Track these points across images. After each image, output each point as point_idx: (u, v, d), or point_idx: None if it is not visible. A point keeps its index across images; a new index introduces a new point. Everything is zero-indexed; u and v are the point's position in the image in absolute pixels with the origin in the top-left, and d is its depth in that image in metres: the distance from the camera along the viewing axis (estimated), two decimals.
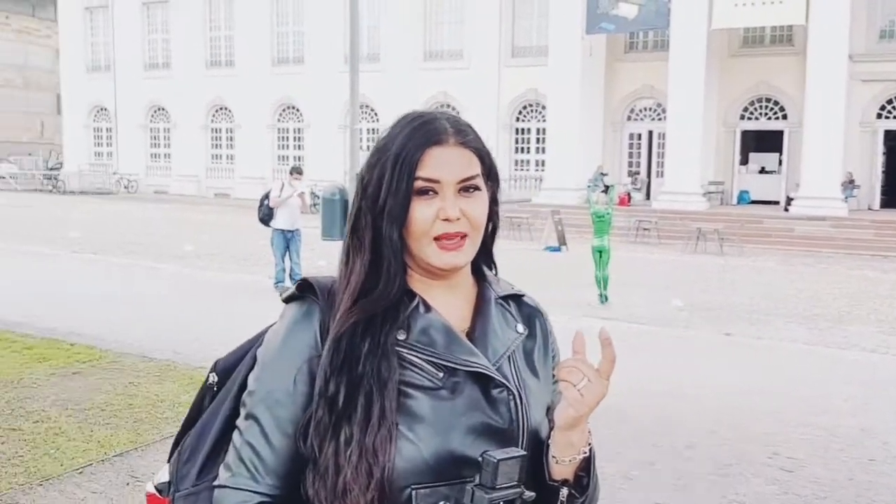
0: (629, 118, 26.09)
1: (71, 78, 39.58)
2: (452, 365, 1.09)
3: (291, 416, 1.10)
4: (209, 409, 1.24)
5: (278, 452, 1.10)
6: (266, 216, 10.44)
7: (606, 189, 13.76)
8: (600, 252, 10.17)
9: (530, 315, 1.25)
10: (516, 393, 1.13)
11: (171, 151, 36.91)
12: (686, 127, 21.19)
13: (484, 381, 1.11)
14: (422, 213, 1.11)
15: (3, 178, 36.60)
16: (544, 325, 1.26)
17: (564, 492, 1.13)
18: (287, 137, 33.94)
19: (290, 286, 9.90)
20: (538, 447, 1.14)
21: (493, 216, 1.21)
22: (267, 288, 10.30)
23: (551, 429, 1.13)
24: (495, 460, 1.03)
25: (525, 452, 1.08)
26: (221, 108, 35.42)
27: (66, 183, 35.43)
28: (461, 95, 27.56)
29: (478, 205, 1.14)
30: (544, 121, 25.66)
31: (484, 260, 1.24)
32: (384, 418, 1.05)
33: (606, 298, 10.19)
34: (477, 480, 1.06)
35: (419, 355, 1.09)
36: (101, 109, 38.83)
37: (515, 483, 1.05)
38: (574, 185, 22.49)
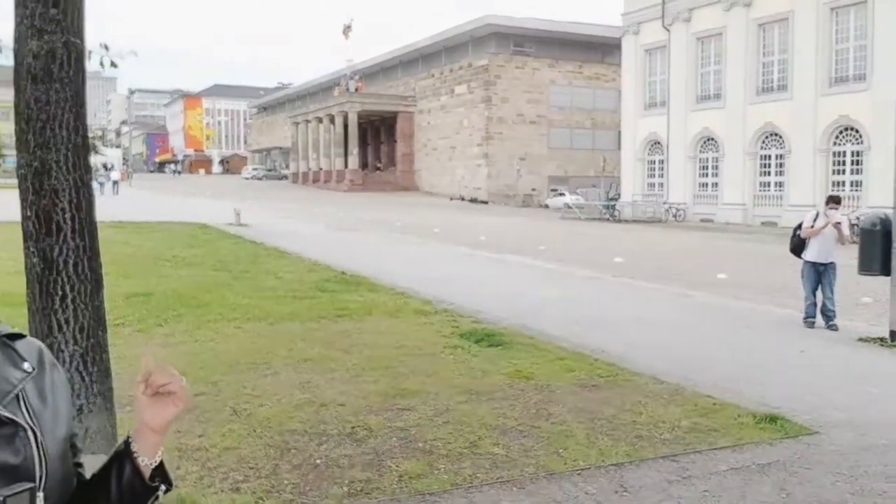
0: None
1: (629, 115, 42.82)
2: None
3: None
4: None
5: None
6: (797, 247, 9.99)
7: None
8: None
9: (39, 353, 1.23)
10: (28, 429, 1.11)
11: (718, 180, 37.24)
12: None
13: None
14: None
15: (570, 208, 41.21)
16: (51, 359, 1.24)
17: (164, 487, 1.23)
18: (843, 161, 31.53)
19: (821, 323, 9.29)
20: (67, 476, 1.18)
21: None
22: (796, 322, 9.83)
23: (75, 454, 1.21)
24: (1, 498, 1.05)
25: (33, 484, 1.08)
26: (771, 135, 34.54)
27: (621, 212, 38.34)
28: None
29: None
30: None
31: None
32: None
33: None
34: None
35: None
36: (655, 143, 41.16)
37: None
38: None
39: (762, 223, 33.82)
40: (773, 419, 5.66)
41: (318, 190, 65.25)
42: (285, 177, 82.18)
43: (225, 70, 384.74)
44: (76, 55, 3.19)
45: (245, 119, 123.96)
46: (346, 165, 65.93)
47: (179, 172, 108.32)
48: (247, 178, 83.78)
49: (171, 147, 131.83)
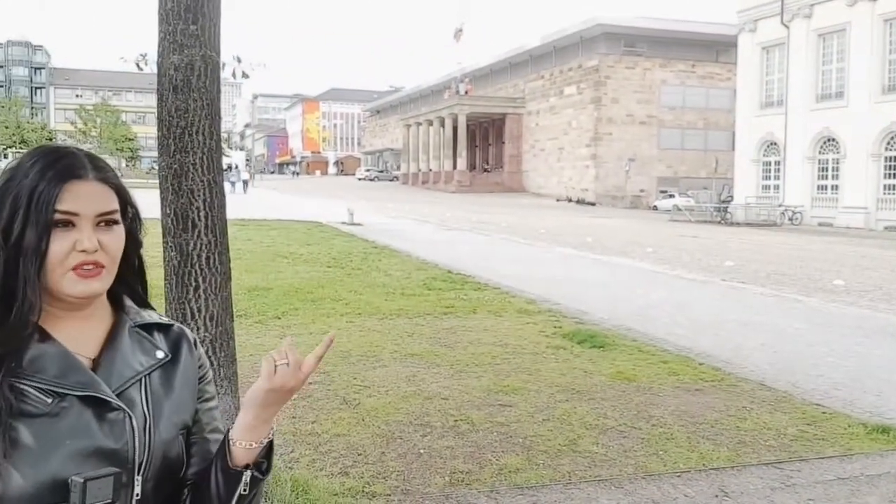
0: None
1: (744, 115, 41.43)
2: (60, 390, 1.11)
3: None
4: None
5: None
6: None
7: None
8: None
9: (177, 341, 1.28)
10: (136, 415, 1.16)
11: (838, 183, 35.58)
12: None
13: (99, 405, 1.13)
14: (59, 245, 1.12)
15: (680, 210, 40.25)
16: (191, 349, 1.29)
17: (248, 475, 1.18)
18: None
19: None
20: (172, 462, 1.20)
21: (135, 250, 1.25)
22: None
23: (193, 445, 1.24)
24: (82, 481, 1.07)
25: (118, 470, 1.11)
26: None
27: (734, 215, 37.15)
28: None
29: (115, 238, 1.17)
30: None
31: (129, 293, 1.28)
32: None
33: None
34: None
35: (25, 382, 1.10)
36: (771, 144, 39.69)
37: (110, 501, 1.09)
38: None
39: (885, 228, 32.10)
40: (885, 430, 5.49)
41: (426, 191, 66.18)
42: (396, 178, 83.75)
43: (341, 74, 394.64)
44: (212, 67, 3.50)
45: (359, 122, 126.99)
46: (454, 167, 66.60)
47: (298, 173, 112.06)
48: (360, 179, 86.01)
49: (290, 149, 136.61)
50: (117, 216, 1.18)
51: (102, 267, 1.14)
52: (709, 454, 5.01)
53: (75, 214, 1.12)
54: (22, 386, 1.09)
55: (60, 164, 1.15)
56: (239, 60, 4.25)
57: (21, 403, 1.08)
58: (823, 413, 5.98)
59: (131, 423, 1.14)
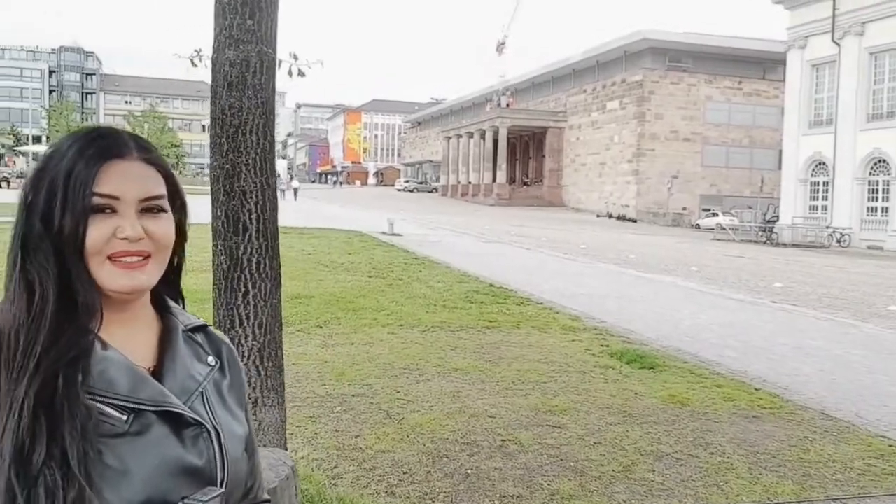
0: None
1: (792, 133, 40.64)
2: (138, 406, 1.00)
3: None
4: None
5: None
6: None
7: None
8: None
9: (218, 344, 1.17)
10: (211, 429, 1.06)
11: (889, 205, 34.68)
12: None
13: (175, 421, 1.02)
14: (97, 231, 0.99)
15: (724, 229, 39.57)
16: (231, 356, 1.19)
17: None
18: None
19: None
20: (242, 480, 1.12)
21: (178, 249, 1.11)
22: None
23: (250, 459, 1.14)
24: None
25: (223, 490, 1.04)
26: None
27: (779, 235, 36.40)
28: None
29: (162, 226, 1.04)
30: None
31: (169, 293, 1.15)
32: (73, 477, 0.93)
33: None
34: None
35: (99, 399, 0.98)
36: (819, 163, 38.84)
37: None
38: None
39: None
40: None
41: (465, 203, 66.09)
42: (435, 189, 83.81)
43: (383, 85, 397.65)
44: (268, 64, 3.36)
45: (399, 133, 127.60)
46: (493, 179, 66.40)
47: (341, 183, 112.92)
48: (399, 190, 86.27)
49: (331, 158, 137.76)
50: (164, 203, 1.05)
51: (148, 257, 1.02)
52: (772, 487, 4.73)
53: (115, 198, 0.99)
54: (97, 403, 0.98)
55: (99, 143, 1.02)
56: (296, 58, 4.12)
57: (99, 422, 0.97)
58: (891, 446, 5.66)
59: (210, 438, 1.05)
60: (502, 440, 5.26)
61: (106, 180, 0.99)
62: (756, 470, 5.01)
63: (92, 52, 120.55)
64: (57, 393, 0.94)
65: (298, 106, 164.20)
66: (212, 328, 1.20)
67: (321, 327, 8.87)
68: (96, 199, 0.98)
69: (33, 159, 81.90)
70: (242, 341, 3.29)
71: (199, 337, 1.15)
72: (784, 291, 15.83)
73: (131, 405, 0.99)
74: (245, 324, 3.31)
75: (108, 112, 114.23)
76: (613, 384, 6.98)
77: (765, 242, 36.23)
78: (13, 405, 0.93)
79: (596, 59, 60.81)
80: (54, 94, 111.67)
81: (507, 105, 69.30)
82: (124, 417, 0.98)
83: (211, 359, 1.14)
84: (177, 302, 1.17)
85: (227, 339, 1.21)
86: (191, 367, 1.10)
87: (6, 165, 79.31)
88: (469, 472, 4.67)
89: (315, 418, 5.45)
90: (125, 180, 1.00)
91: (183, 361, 1.09)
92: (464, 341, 8.55)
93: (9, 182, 50.72)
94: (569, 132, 64.41)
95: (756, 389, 7.13)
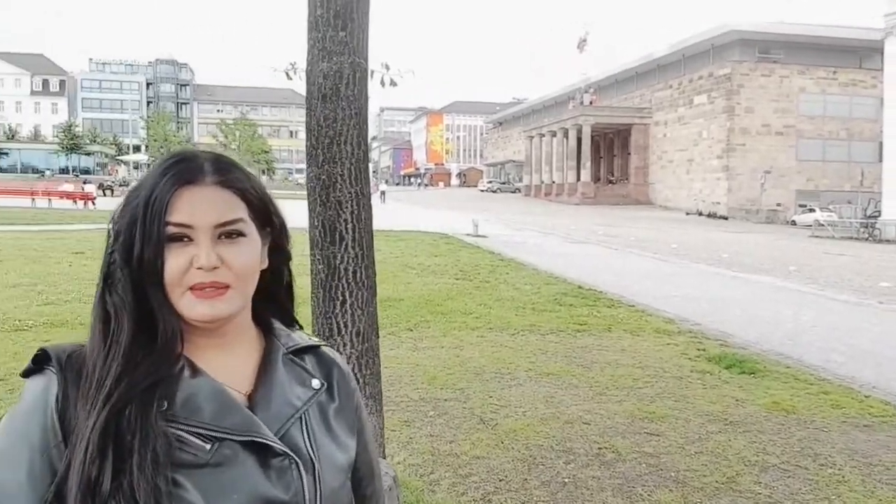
0: None
1: (893, 125, 38.67)
2: (219, 434, 0.96)
3: None
4: None
5: None
6: None
7: None
8: None
9: (329, 365, 1.13)
10: (303, 461, 1.01)
11: None
12: None
13: (262, 451, 0.98)
14: (175, 261, 0.97)
15: (822, 225, 38.02)
16: (344, 378, 1.14)
17: None
18: None
19: None
20: None
21: (280, 266, 1.10)
22: None
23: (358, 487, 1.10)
24: None
25: None
26: None
27: (882, 231, 34.74)
28: None
29: (241, 252, 1.00)
30: None
31: (279, 316, 1.12)
32: None
33: None
34: None
35: (182, 427, 0.95)
36: None
37: None
38: None
39: None
40: None
41: (549, 203, 65.58)
42: (518, 189, 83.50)
43: (464, 87, 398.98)
44: (360, 74, 3.37)
45: (481, 133, 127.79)
46: (577, 178, 65.65)
47: (425, 185, 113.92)
48: (482, 191, 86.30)
49: (414, 161, 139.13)
50: (242, 226, 1.01)
51: (226, 287, 0.99)
52: (889, 502, 4.47)
53: (189, 227, 0.98)
54: (178, 431, 0.95)
55: (174, 169, 1.00)
56: (387, 68, 4.13)
57: (179, 452, 0.94)
58: None
59: (299, 470, 1.00)
60: (599, 448, 5.15)
61: (178, 208, 0.98)
62: (870, 483, 4.75)
63: (185, 64, 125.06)
64: (128, 423, 0.93)
65: (382, 109, 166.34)
66: (325, 348, 1.16)
67: (411, 330, 8.91)
68: (170, 229, 0.97)
69: (134, 168, 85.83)
70: (340, 350, 3.31)
71: (307, 358, 1.12)
72: (892, 291, 15.04)
73: (214, 433, 0.96)
74: (343, 332, 3.32)
75: (202, 121, 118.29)
76: (712, 390, 6.75)
77: (867, 239, 34.67)
78: (82, 436, 0.92)
79: (681, 53, 59.39)
80: (151, 104, 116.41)
81: (591, 102, 68.42)
82: (207, 446, 0.95)
83: (315, 382, 1.10)
84: (290, 324, 1.15)
85: (340, 360, 1.17)
86: (289, 392, 1.06)
87: (109, 174, 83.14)
88: (566, 480, 4.58)
89: (409, 423, 5.46)
90: (197, 207, 0.98)
91: (280, 386, 1.06)
92: (554, 345, 8.44)
93: (112, 190, 53.05)
94: (654, 128, 63.11)
95: (866, 397, 6.78)
